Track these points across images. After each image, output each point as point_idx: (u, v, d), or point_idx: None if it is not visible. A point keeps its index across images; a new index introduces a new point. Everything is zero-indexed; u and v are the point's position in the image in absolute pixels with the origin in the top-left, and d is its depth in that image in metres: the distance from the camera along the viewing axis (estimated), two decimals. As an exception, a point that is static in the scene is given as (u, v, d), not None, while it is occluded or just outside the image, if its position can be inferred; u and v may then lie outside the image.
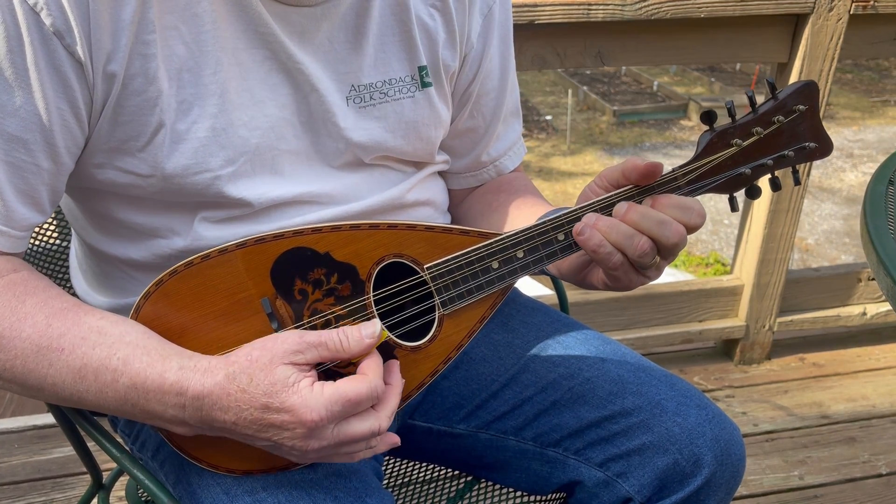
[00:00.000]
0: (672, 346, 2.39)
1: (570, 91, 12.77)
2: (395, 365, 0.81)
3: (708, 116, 0.85)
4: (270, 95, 0.88)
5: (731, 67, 14.36)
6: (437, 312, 0.85)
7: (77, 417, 0.94)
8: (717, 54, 1.99)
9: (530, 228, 0.84)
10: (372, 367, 0.77)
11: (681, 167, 0.86)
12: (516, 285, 1.16)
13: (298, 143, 0.91)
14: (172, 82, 0.82)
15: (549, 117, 12.03)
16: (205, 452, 0.83)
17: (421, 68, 0.96)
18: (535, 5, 1.77)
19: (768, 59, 2.01)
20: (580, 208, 0.84)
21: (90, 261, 1.01)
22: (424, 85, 0.97)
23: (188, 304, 0.80)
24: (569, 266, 0.92)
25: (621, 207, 0.82)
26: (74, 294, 1.05)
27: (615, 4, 1.80)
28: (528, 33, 1.82)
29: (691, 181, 0.86)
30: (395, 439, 0.81)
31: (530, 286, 3.12)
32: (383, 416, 0.77)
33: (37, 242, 1.23)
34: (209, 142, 0.85)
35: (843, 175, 9.92)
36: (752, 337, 2.36)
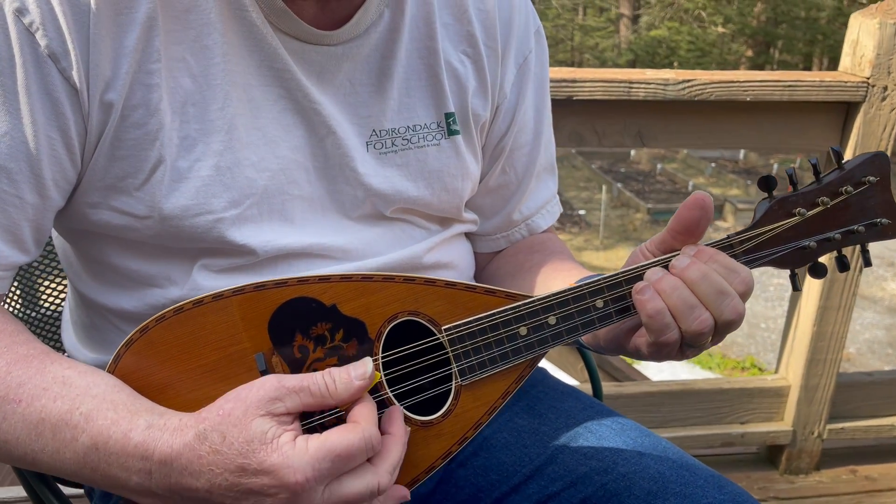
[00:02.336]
0: (711, 449, 2.22)
1: (604, 187, 12.84)
2: (398, 412, 0.71)
3: (766, 182, 0.76)
4: (283, 136, 0.81)
5: (768, 170, 14.35)
6: (453, 382, 0.75)
7: (39, 485, 0.83)
8: (764, 140, 1.91)
9: (565, 291, 0.74)
10: (364, 414, 0.66)
11: (737, 234, 0.76)
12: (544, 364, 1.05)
13: (312, 189, 0.84)
14: (175, 116, 0.76)
15: (582, 212, 12.04)
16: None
17: (448, 115, 0.89)
18: (574, 80, 1.72)
19: (817, 147, 1.93)
20: (623, 272, 0.74)
21: (81, 312, 0.94)
22: (451, 133, 0.90)
23: (173, 355, 0.71)
24: (609, 334, 0.81)
25: (682, 261, 0.72)
26: (62, 350, 0.97)
27: (657, 83, 1.74)
28: (565, 109, 1.76)
29: (749, 250, 0.76)
30: (402, 492, 0.70)
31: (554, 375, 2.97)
32: (383, 472, 0.65)
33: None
34: (212, 181, 0.78)
35: (884, 284, 9.66)
36: (799, 444, 2.19)
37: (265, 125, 0.80)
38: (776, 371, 2.23)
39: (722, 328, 0.73)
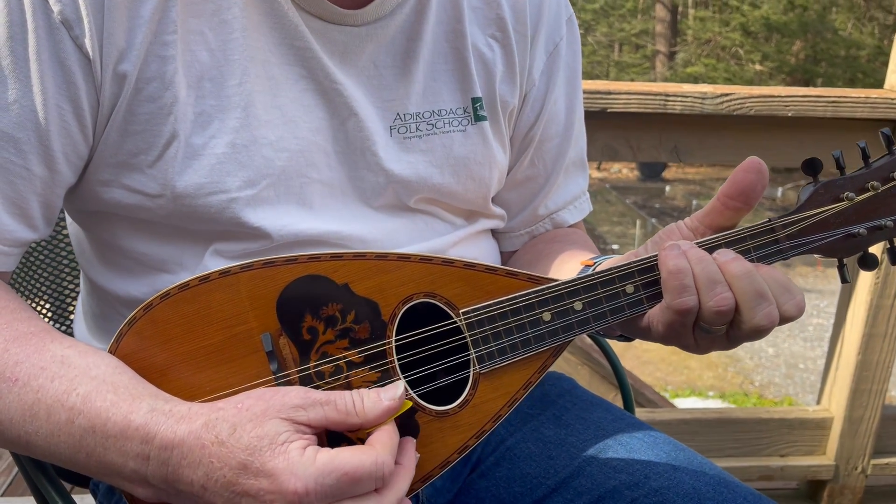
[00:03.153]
0: (749, 483, 2.11)
1: (637, 222, 12.71)
2: (410, 443, 0.66)
3: (811, 165, 0.71)
4: (303, 116, 0.78)
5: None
6: (471, 370, 0.70)
7: (37, 474, 0.80)
8: (806, 157, 1.84)
9: (593, 275, 0.69)
10: (383, 440, 0.61)
11: (779, 217, 0.71)
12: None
13: (332, 174, 0.81)
14: (191, 90, 0.73)
15: (615, 246, 11.94)
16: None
17: (475, 100, 0.86)
18: (609, 92, 1.68)
19: (862, 166, 1.85)
20: (656, 255, 0.69)
21: (91, 301, 0.91)
22: (478, 118, 0.86)
23: (177, 335, 0.67)
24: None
25: (726, 254, 0.67)
26: None
27: (695, 97, 1.70)
28: (599, 122, 1.72)
29: (792, 235, 0.71)
30: None
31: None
32: (386, 503, 0.60)
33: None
34: (227, 159, 0.75)
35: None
36: (842, 479, 2.08)
37: (285, 104, 0.78)
38: (818, 402, 2.13)
39: (749, 332, 0.68)
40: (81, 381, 0.63)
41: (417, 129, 0.84)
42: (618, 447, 0.91)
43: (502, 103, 0.88)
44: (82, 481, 0.99)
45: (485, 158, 0.87)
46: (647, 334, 0.72)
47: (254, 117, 0.75)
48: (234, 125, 0.75)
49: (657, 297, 0.70)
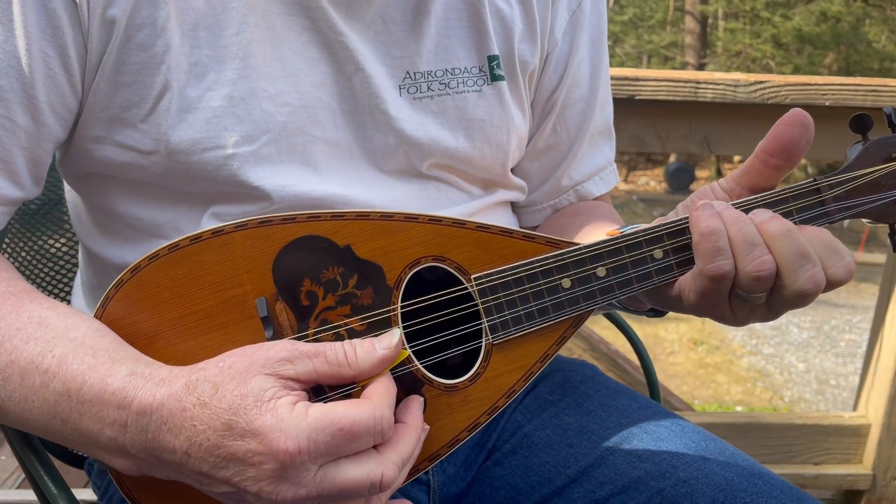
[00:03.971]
0: (780, 492, 2.03)
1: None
2: (416, 401, 0.60)
3: (861, 122, 0.65)
4: (306, 70, 0.74)
5: (838, 224, 13.84)
6: (483, 340, 0.64)
7: (21, 444, 0.75)
8: (845, 150, 1.76)
9: (618, 238, 0.63)
10: (379, 392, 0.56)
11: (825, 176, 0.65)
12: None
13: (339, 133, 0.76)
14: (185, 39, 0.69)
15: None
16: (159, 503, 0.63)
17: (491, 58, 0.80)
18: (637, 79, 1.62)
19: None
20: (685, 219, 0.63)
21: (88, 271, 0.88)
22: (495, 78, 0.81)
23: (166, 299, 0.62)
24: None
25: (764, 213, 0.61)
26: None
27: (727, 84, 1.63)
28: (627, 110, 1.66)
29: (839, 196, 0.64)
30: None
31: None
32: (389, 462, 0.55)
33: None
34: (224, 112, 0.71)
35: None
36: (879, 490, 1.99)
37: (287, 56, 0.73)
38: (854, 408, 2.04)
39: (791, 298, 0.61)
40: (58, 343, 0.59)
41: (429, 88, 0.79)
42: (643, 436, 0.85)
43: (521, 63, 0.83)
44: (76, 461, 0.95)
45: (502, 121, 0.82)
46: (679, 304, 0.65)
47: (253, 69, 0.71)
48: (231, 77, 0.71)
49: (689, 262, 0.63)
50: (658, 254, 0.63)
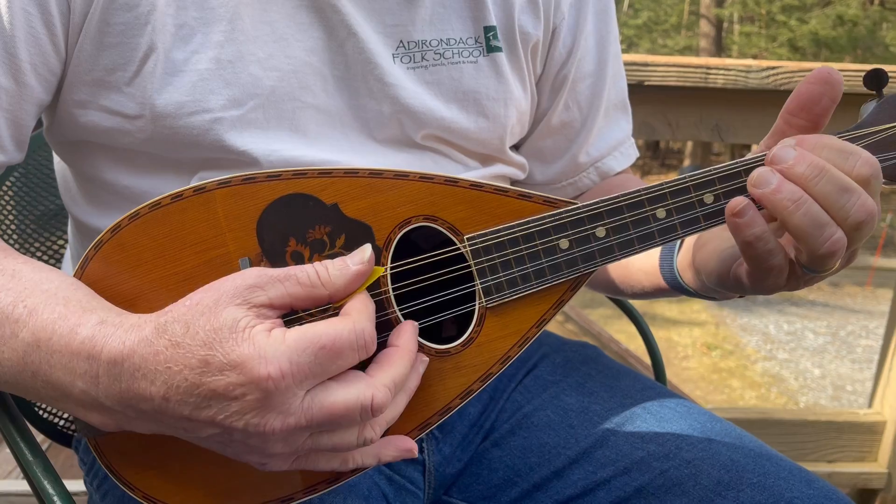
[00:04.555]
0: (792, 490, 1.99)
1: (679, 238, 12.49)
2: (410, 325, 0.58)
3: (876, 77, 0.62)
4: (296, 34, 0.72)
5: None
6: (476, 303, 0.62)
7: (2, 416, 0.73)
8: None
9: (618, 197, 0.61)
10: (357, 307, 0.54)
11: (838, 133, 0.62)
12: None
13: (330, 100, 0.74)
14: (171, 0, 0.67)
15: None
16: (141, 474, 0.61)
17: (488, 29, 0.78)
18: (646, 64, 1.59)
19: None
20: (702, 173, 0.60)
21: (76, 243, 0.86)
22: (491, 49, 0.79)
23: (147, 260, 0.60)
24: (709, 258, 0.68)
25: (785, 153, 0.57)
26: None
27: (738, 70, 1.60)
28: (635, 97, 1.61)
29: (853, 154, 0.61)
30: (408, 444, 0.58)
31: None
32: (379, 385, 0.53)
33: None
34: (211, 75, 0.69)
35: None
36: (895, 488, 1.94)
37: (276, 20, 0.71)
38: (870, 405, 1.99)
39: (851, 237, 0.57)
40: (31, 294, 0.57)
41: (423, 58, 0.77)
42: (647, 416, 0.82)
43: (522, 35, 0.81)
44: (65, 440, 0.93)
45: (498, 94, 0.80)
46: (740, 286, 0.64)
47: (240, 31, 0.69)
48: (218, 39, 0.69)
49: (694, 222, 0.61)
50: (661, 213, 0.60)
